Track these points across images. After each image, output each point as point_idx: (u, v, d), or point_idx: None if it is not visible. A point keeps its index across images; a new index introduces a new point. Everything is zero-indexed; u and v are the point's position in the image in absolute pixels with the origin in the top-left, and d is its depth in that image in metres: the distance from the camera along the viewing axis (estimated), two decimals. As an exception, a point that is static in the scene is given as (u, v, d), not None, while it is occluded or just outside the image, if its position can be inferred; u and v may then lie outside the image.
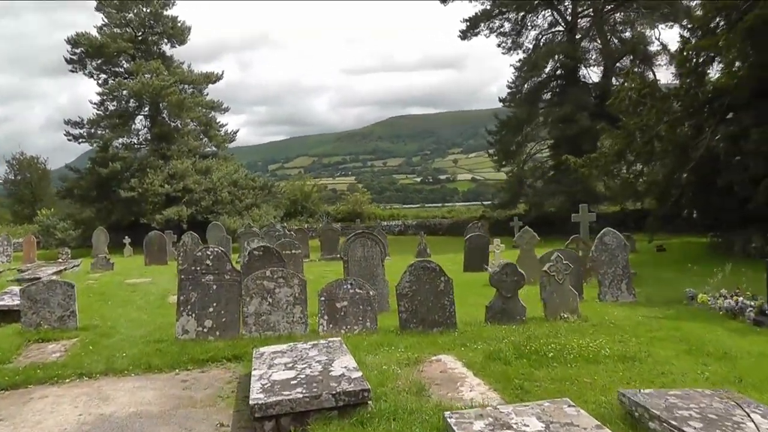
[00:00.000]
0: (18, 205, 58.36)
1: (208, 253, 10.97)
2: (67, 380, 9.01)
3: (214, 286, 10.81)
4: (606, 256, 14.89)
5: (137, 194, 39.70)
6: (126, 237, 34.72)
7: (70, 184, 44.43)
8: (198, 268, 10.84)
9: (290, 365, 7.41)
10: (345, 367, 7.15)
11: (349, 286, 11.07)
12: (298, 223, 47.77)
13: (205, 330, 10.69)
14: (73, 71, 45.35)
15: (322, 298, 10.92)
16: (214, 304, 10.75)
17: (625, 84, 28.18)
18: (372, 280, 13.78)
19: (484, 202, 66.43)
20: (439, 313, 10.94)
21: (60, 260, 28.95)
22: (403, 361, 8.82)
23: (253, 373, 7.30)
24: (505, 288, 11.58)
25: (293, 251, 20.17)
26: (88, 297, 17.15)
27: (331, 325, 10.80)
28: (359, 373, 6.93)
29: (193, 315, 10.69)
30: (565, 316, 11.54)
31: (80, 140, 44.49)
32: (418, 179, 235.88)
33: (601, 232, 15.27)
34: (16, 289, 16.17)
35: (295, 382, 6.74)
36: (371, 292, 11.18)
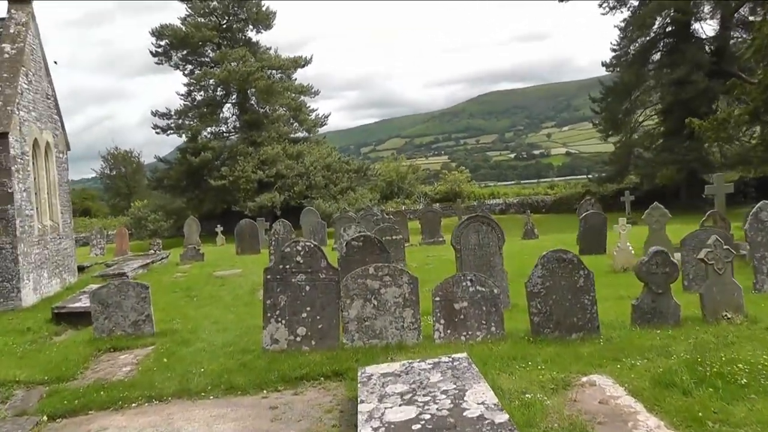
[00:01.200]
0: (114, 199, 59.28)
1: (299, 248, 9.05)
2: (134, 404, 7.47)
3: (307, 287, 8.93)
4: (763, 236, 12.10)
5: (228, 182, 38.85)
6: (218, 226, 33.80)
7: (161, 174, 44.25)
8: (287, 267, 8.97)
9: (408, 397, 5.38)
10: (482, 403, 5.06)
11: (468, 283, 8.98)
12: (395, 205, 45.97)
13: (298, 339, 8.83)
14: (158, 63, 45.04)
15: (437, 298, 8.90)
16: (308, 309, 8.88)
17: (763, 29, 24.40)
18: (489, 270, 11.81)
19: (588, 176, 62.38)
20: (578, 314, 8.80)
21: (151, 251, 28.26)
22: (547, 385, 6.74)
23: (361, 408, 5.29)
24: (655, 282, 9.20)
25: (394, 237, 18.29)
26: (173, 293, 15.77)
27: (448, 331, 8.80)
28: (504, 416, 4.81)
29: (283, 321, 8.84)
30: (728, 315, 9.06)
31: (168, 132, 44.14)
32: (512, 155, 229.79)
33: (757, 206, 12.45)
34: (95, 287, 14.92)
35: (418, 427, 4.70)
36: (495, 290, 9.05)
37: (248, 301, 13.76)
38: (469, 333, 8.78)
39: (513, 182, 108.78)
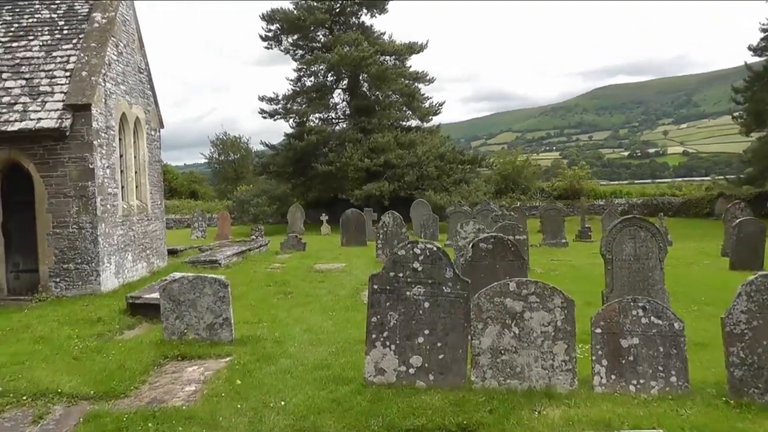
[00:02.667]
0: (222, 183, 59.15)
1: (417, 251, 6.62)
2: (185, 449, 5.29)
3: (426, 304, 6.50)
4: None
5: (335, 168, 37.06)
6: (323, 214, 32.07)
7: (267, 160, 43.05)
8: (401, 275, 6.56)
9: None
10: None
11: (640, 312, 6.46)
12: (510, 201, 42.88)
13: (412, 371, 6.44)
14: (268, 48, 43.82)
15: (598, 330, 6.43)
16: (426, 332, 6.48)
17: None
18: (647, 290, 9.43)
19: (717, 176, 56.71)
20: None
21: (252, 237, 26.88)
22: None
23: None
24: None
25: (517, 236, 15.63)
26: (266, 287, 13.78)
27: (612, 377, 6.35)
28: None
29: (393, 347, 6.46)
30: None
31: (275, 117, 42.86)
32: (626, 153, 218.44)
33: None
34: (178, 275, 13.12)
35: None
36: (676, 324, 6.39)
37: (350, 305, 11.47)
38: (641, 382, 6.30)
39: (626, 181, 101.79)
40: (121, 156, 15.04)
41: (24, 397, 6.94)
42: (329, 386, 6.60)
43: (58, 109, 13.07)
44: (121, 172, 15.04)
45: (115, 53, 14.66)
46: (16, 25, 14.91)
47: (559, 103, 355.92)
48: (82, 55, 13.83)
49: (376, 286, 6.51)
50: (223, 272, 15.61)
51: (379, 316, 6.45)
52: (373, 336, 6.44)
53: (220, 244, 21.90)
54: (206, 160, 65.31)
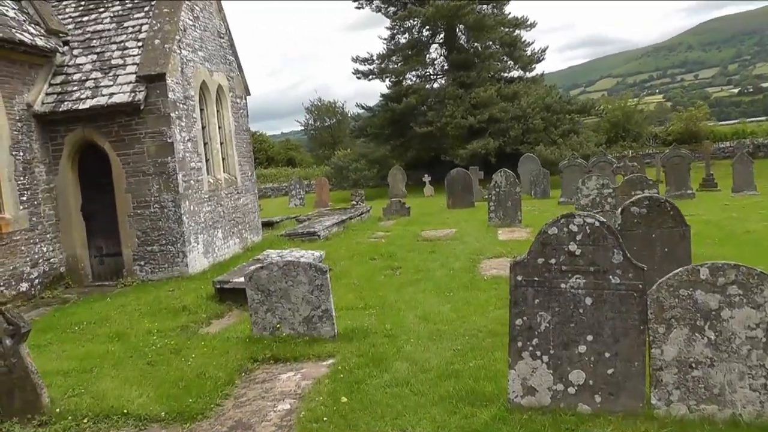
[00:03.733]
0: (319, 149, 58.35)
1: (573, 227, 4.69)
2: None
3: (588, 300, 4.66)
4: None
5: (435, 128, 35.10)
6: (425, 175, 30.38)
7: (363, 123, 41.46)
8: (552, 262, 4.70)
9: None
10: None
11: None
12: (621, 149, 39.58)
13: (572, 391, 4.68)
14: (359, 8, 41.89)
15: None
16: (589, 338, 4.66)
17: None
18: None
19: None
20: None
21: (352, 203, 25.65)
22: None
23: None
24: None
25: (646, 191, 13.43)
26: (370, 261, 12.26)
27: None
28: None
29: (545, 358, 4.68)
30: None
31: (370, 77, 41.06)
32: (735, 90, 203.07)
33: None
34: (274, 254, 11.77)
35: None
36: None
37: (468, 282, 9.66)
38: None
39: (736, 120, 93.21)
40: (203, 127, 13.78)
41: (84, 420, 5.67)
42: (462, 408, 4.91)
43: (130, 82, 11.94)
44: (205, 144, 13.79)
45: (191, 18, 13.31)
46: None
47: (662, 43, 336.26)
48: (154, 22, 12.56)
49: (520, 277, 4.69)
50: (323, 245, 14.25)
51: (525, 318, 4.66)
52: (519, 344, 4.67)
53: (318, 212, 20.56)
54: (302, 128, 64.73)
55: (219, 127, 14.68)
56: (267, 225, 18.75)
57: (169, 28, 12.34)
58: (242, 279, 9.72)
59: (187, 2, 13.10)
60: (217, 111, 14.63)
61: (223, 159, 14.83)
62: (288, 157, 58.32)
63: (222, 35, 15.02)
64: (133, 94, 11.71)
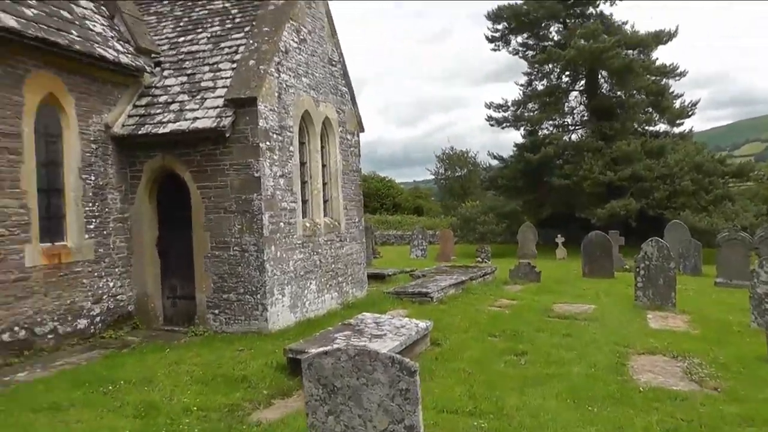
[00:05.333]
0: (448, 199, 56.18)
1: None
2: None
3: None
4: None
5: (572, 183, 31.98)
6: (558, 235, 27.41)
7: (495, 173, 38.73)
8: None
9: None
10: None
11: None
12: (777, 223, 34.28)
13: None
14: (495, 50, 39.66)
15: None
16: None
17: None
18: None
19: None
20: None
21: (477, 259, 23.49)
22: None
23: None
24: None
25: None
26: (488, 339, 9.88)
27: None
28: None
29: None
30: None
31: (504, 125, 38.51)
32: None
33: None
34: (370, 318, 9.55)
35: None
36: None
37: (616, 392, 6.85)
38: None
39: None
40: (303, 164, 11.97)
41: None
42: None
43: (217, 107, 10.40)
44: (304, 183, 11.95)
45: (296, 40, 11.65)
46: (186, 19, 12.78)
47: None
48: (251, 42, 11.00)
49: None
50: (434, 310, 11.99)
51: None
52: None
53: (436, 269, 18.19)
54: (432, 176, 63.04)
55: (323, 165, 12.83)
56: (377, 278, 16.67)
57: (267, 48, 10.69)
58: (321, 350, 7.61)
59: (291, 22, 11.48)
60: (322, 147, 12.80)
61: (326, 201, 12.93)
62: (416, 205, 56.76)
63: (333, 63, 13.25)
64: (218, 119, 10.10)
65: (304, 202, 11.93)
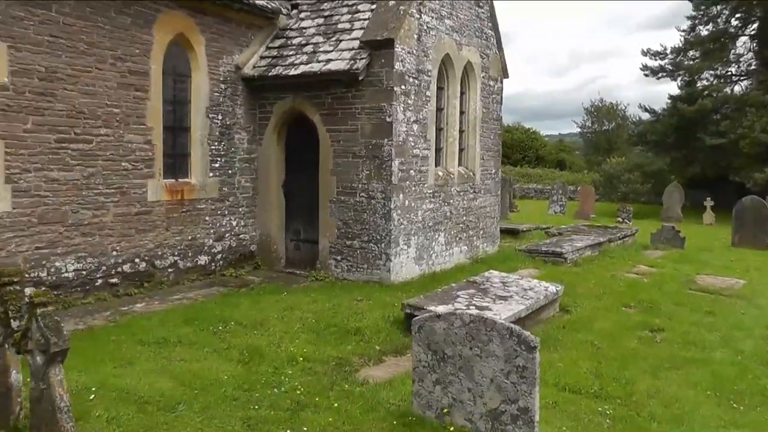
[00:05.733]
0: (593, 154, 53.57)
1: None
2: None
3: None
4: None
5: (728, 141, 29.37)
6: (707, 198, 25.45)
7: (644, 128, 36.23)
8: None
9: None
10: None
11: None
12: None
13: None
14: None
15: None
16: None
17: None
18: None
19: None
20: None
21: (618, 219, 22.44)
22: None
23: None
24: None
25: None
26: (622, 310, 9.24)
27: None
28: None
29: None
30: None
31: (660, 75, 35.67)
32: None
33: None
34: (497, 277, 9.14)
35: None
36: None
37: (763, 389, 6.31)
38: None
39: None
40: (440, 110, 11.55)
41: None
42: None
43: (352, 48, 10.12)
44: (439, 130, 11.55)
45: (440, -23, 11.06)
46: None
47: None
48: (393, -21, 10.51)
49: None
50: (567, 272, 11.45)
51: None
52: None
53: (573, 228, 17.34)
54: (579, 129, 60.29)
55: (461, 112, 12.32)
56: (510, 233, 16.13)
57: (409, -15, 10.19)
58: (440, 308, 7.34)
59: (436, -41, 10.87)
60: (462, 92, 12.27)
61: (461, 150, 12.46)
62: (559, 159, 54.45)
63: (480, 3, 12.56)
64: (352, 62, 9.84)
65: (438, 150, 11.54)
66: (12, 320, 4.41)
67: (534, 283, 8.92)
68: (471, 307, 7.43)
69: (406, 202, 10.29)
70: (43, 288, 7.81)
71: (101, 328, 7.43)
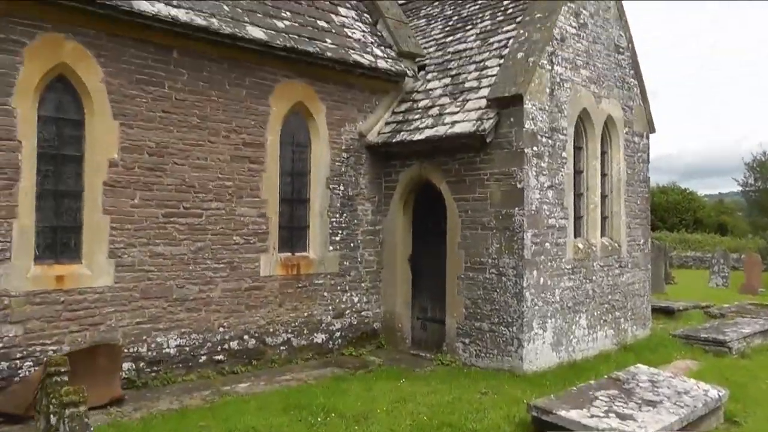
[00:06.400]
0: (757, 215, 48.83)
1: None
2: None
3: None
4: None
5: None
6: None
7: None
8: None
9: None
10: None
11: None
12: None
13: None
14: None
15: None
16: None
17: None
18: None
19: None
20: None
21: None
22: None
23: None
24: None
25: None
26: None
27: None
28: None
29: None
30: None
31: None
32: None
33: None
34: (645, 374, 7.63)
35: None
36: None
37: None
38: None
39: None
40: (578, 173, 10.31)
41: None
42: None
43: (479, 108, 9.24)
44: (578, 196, 10.29)
45: (574, 25, 10.00)
46: (456, 17, 12.02)
47: None
48: (521, 31, 9.65)
49: None
50: (734, 365, 9.69)
51: None
52: None
53: (738, 307, 15.12)
54: (740, 188, 55.47)
55: (603, 175, 10.99)
56: (664, 312, 14.27)
57: (539, 36, 9.23)
58: (572, 413, 6.05)
59: (569, 4, 9.85)
60: (603, 152, 10.96)
61: (604, 218, 11.06)
62: (719, 222, 50.01)
63: (620, 50, 11.30)
64: (478, 122, 8.92)
65: (577, 218, 10.24)
66: (51, 415, 3.87)
67: (691, 384, 7.28)
68: (610, 415, 6.05)
69: (541, 279, 9.05)
70: (142, 363, 7.71)
71: (194, 410, 6.89)
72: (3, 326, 6.95)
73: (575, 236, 10.05)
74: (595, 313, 10.35)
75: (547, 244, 9.18)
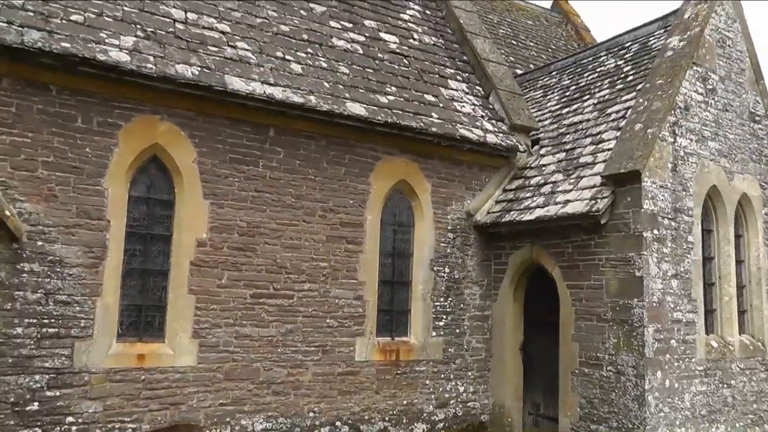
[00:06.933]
0: None
1: None
2: None
3: None
4: None
5: None
6: None
7: None
8: None
9: None
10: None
11: None
12: None
13: None
14: None
15: None
16: None
17: None
18: None
19: None
20: None
21: None
22: None
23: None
24: None
25: None
26: None
27: None
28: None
29: None
30: None
31: None
32: None
33: None
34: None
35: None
36: None
37: None
38: None
39: None
40: (708, 259, 9.15)
41: None
42: None
43: (593, 186, 8.50)
44: (709, 285, 9.09)
45: (701, 91, 9.09)
46: (573, 87, 11.50)
47: None
48: (640, 100, 8.87)
49: None
50: None
51: None
52: None
53: None
54: None
55: (738, 261, 9.70)
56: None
57: (659, 105, 8.40)
58: None
59: (695, 68, 8.98)
60: (737, 235, 9.71)
61: (742, 312, 9.69)
62: None
63: (757, 118, 10.15)
64: (591, 202, 8.15)
65: (708, 312, 9.00)
66: None
67: None
68: None
69: (667, 381, 7.88)
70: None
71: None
72: (83, 402, 6.88)
73: (707, 333, 8.81)
74: (737, 425, 8.92)
75: (672, 341, 8.05)
